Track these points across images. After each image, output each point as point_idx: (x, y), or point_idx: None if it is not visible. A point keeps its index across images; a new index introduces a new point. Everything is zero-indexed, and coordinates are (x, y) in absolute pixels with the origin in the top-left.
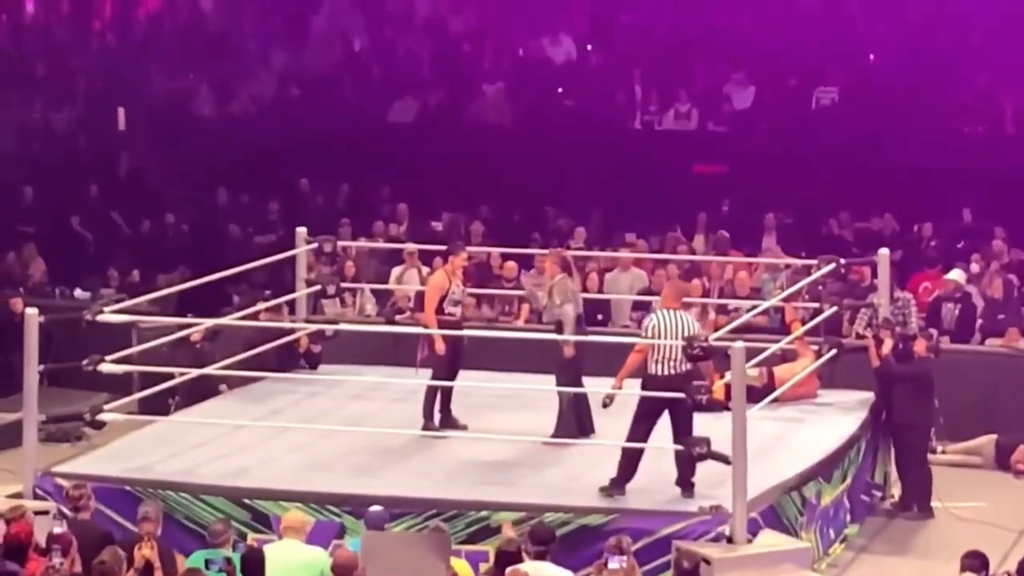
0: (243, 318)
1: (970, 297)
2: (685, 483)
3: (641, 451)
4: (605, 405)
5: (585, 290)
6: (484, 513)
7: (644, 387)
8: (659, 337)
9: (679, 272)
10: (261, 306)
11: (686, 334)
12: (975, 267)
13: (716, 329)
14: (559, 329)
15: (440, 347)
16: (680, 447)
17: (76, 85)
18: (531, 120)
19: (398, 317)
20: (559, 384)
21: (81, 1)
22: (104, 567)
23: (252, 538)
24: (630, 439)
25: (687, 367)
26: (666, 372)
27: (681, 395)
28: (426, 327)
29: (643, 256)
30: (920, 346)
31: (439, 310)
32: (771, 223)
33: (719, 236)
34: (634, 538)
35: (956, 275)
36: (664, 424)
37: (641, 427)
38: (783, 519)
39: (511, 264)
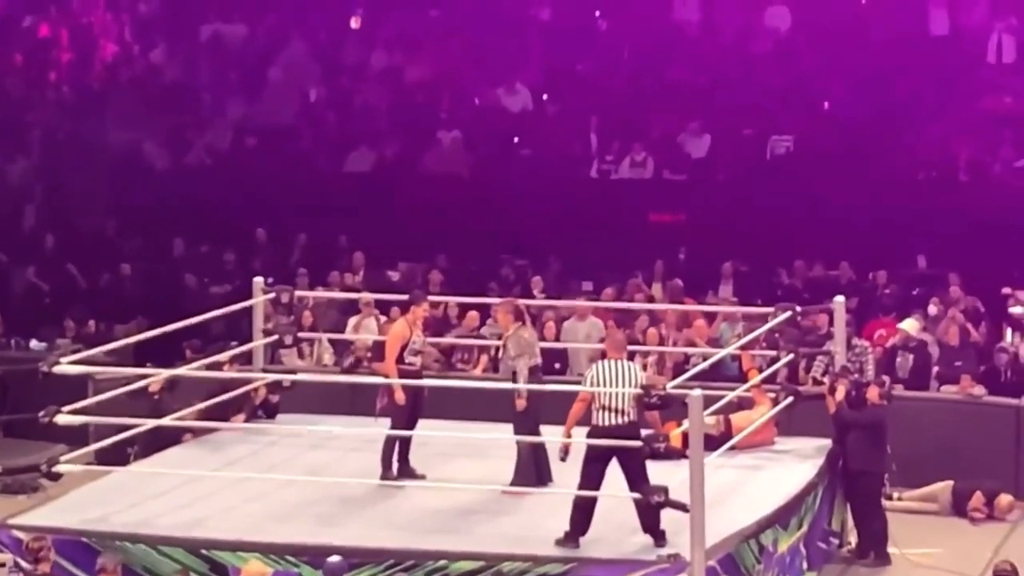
0: (204, 368)
1: (925, 346)
2: (654, 531)
3: (593, 502)
4: (562, 459)
5: (542, 338)
6: (443, 563)
7: (590, 436)
8: (601, 387)
9: (639, 320)
10: (225, 355)
11: (631, 384)
12: (933, 310)
13: (673, 378)
14: (514, 379)
15: (400, 397)
16: (637, 496)
17: (31, 136)
18: (488, 169)
19: (352, 365)
20: (517, 433)
21: (36, 52)
22: None
23: None
24: (580, 490)
25: (632, 416)
26: (611, 422)
27: (629, 444)
28: (386, 376)
29: (600, 304)
30: (873, 393)
31: (399, 359)
32: (727, 271)
33: (674, 284)
34: None
35: (908, 324)
36: (620, 473)
37: (590, 478)
38: (741, 567)
39: (473, 314)
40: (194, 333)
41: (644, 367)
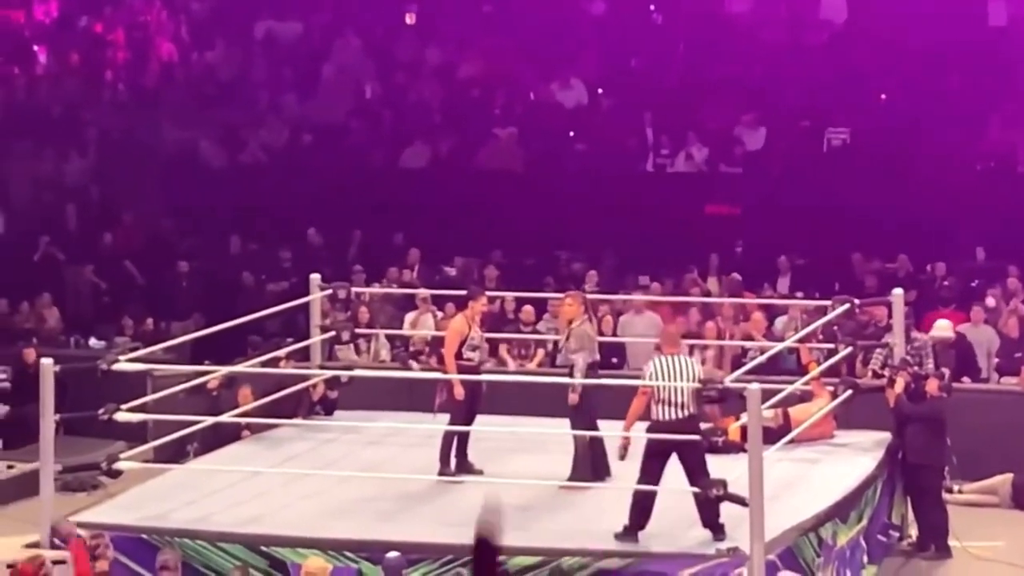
0: (261, 365)
1: (964, 338)
2: (713, 525)
3: (652, 496)
4: (621, 457)
5: (600, 333)
6: (501, 558)
7: (649, 432)
8: (660, 382)
9: (698, 315)
10: (281, 352)
11: (689, 378)
12: (992, 302)
13: (732, 371)
14: (571, 373)
15: (459, 392)
16: (696, 490)
17: (87, 135)
18: (543, 164)
19: (414, 363)
20: (574, 428)
21: (93, 52)
22: None
23: None
24: (640, 485)
25: (691, 411)
26: (670, 416)
27: (688, 438)
28: (445, 372)
29: (657, 299)
30: (932, 386)
31: (458, 355)
32: (784, 265)
33: (731, 278)
34: None
35: (941, 327)
36: (679, 467)
37: (649, 472)
38: (800, 560)
39: (528, 308)
40: (251, 330)
41: (703, 361)
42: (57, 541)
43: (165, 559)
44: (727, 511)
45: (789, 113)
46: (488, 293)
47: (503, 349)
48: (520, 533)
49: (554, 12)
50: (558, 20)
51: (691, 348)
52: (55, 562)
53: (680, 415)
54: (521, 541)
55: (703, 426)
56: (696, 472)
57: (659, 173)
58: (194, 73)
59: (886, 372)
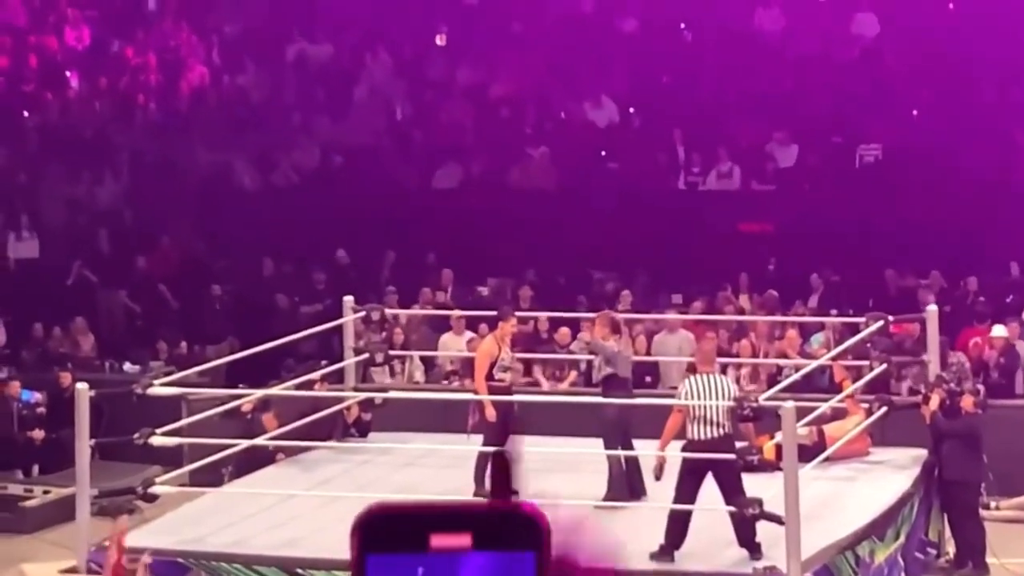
0: (296, 388)
1: (1014, 348)
2: (749, 544)
3: (688, 516)
4: (657, 478)
5: (634, 352)
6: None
7: (685, 451)
8: (695, 401)
9: (728, 333)
10: (315, 375)
11: (724, 397)
12: None
13: (766, 389)
14: (605, 391)
15: (491, 413)
16: (732, 509)
17: (120, 159)
18: (575, 183)
19: (446, 383)
20: (607, 447)
21: (124, 76)
22: None
23: None
24: (676, 504)
25: (727, 429)
26: (707, 436)
27: (725, 456)
28: (476, 393)
29: (690, 317)
30: (967, 402)
31: (489, 376)
32: (817, 282)
33: (767, 296)
34: None
35: (1002, 331)
36: (715, 486)
37: (685, 491)
38: None
39: (564, 330)
40: (285, 353)
41: (737, 380)
42: (94, 566)
43: None
44: (763, 530)
45: (821, 129)
46: (520, 313)
47: (536, 370)
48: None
49: (584, 31)
50: (588, 38)
51: (725, 366)
52: None
53: (716, 434)
54: None
55: (738, 445)
56: (732, 491)
57: (691, 191)
58: (226, 96)
59: (921, 389)
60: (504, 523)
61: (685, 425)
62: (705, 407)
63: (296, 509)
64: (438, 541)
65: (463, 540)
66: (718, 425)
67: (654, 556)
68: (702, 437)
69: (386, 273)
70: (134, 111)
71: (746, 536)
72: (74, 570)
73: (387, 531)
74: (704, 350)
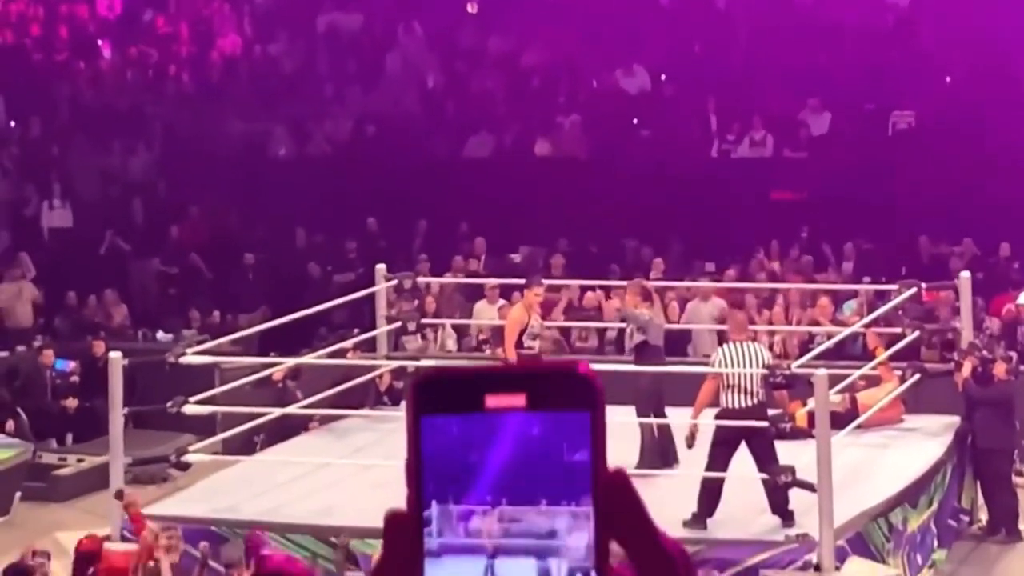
0: (328, 356)
1: None
2: (782, 511)
3: (721, 484)
4: (689, 446)
5: (667, 320)
6: None
7: (719, 419)
8: (729, 369)
9: (758, 300)
10: (348, 343)
11: (757, 365)
12: None
13: (799, 356)
14: (637, 359)
15: None
16: (765, 476)
17: (152, 129)
18: (607, 152)
19: (478, 351)
20: (639, 415)
21: (157, 45)
22: None
23: None
24: (709, 470)
25: (760, 398)
26: (740, 404)
27: (758, 424)
28: (506, 362)
29: (722, 285)
30: (1000, 369)
31: (519, 344)
32: (850, 250)
33: (802, 262)
34: (721, 568)
35: None
36: (747, 454)
37: (718, 460)
38: (870, 546)
39: (590, 295)
40: (318, 321)
41: (771, 346)
42: (127, 534)
43: (230, 557)
44: (796, 497)
45: (853, 97)
46: (553, 282)
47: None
48: None
49: None
50: (620, 7)
51: (757, 334)
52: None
53: (749, 402)
54: None
55: (771, 412)
56: (765, 459)
57: (723, 159)
58: (258, 66)
59: (955, 356)
60: (558, 384)
61: (718, 393)
62: (738, 375)
63: (329, 477)
64: (493, 401)
65: (518, 400)
66: (751, 393)
67: (687, 523)
68: (736, 405)
69: (418, 242)
70: (166, 81)
71: (779, 503)
72: (108, 538)
73: (442, 393)
74: (737, 318)
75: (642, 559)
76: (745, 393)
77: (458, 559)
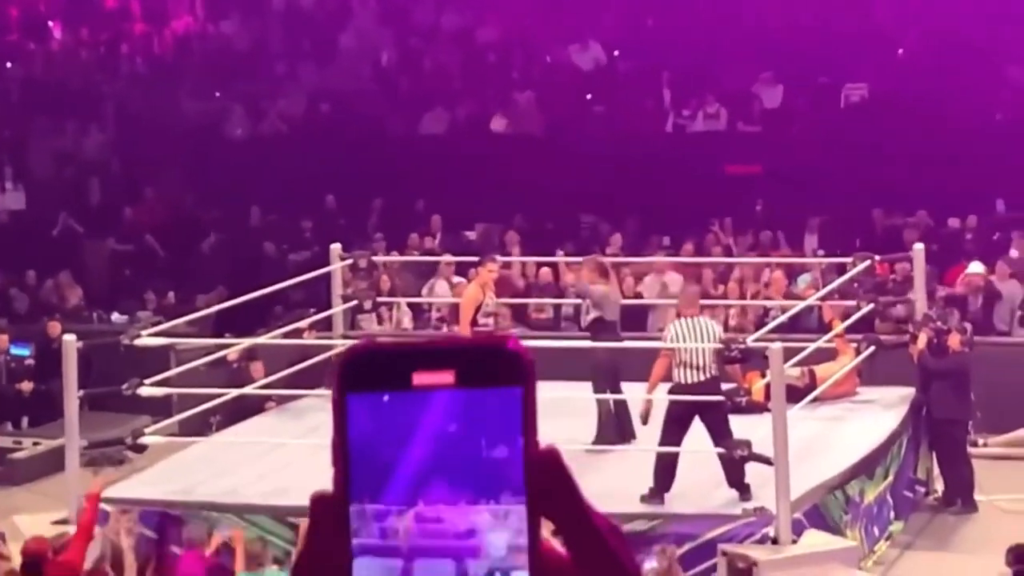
0: (284, 336)
1: (992, 284)
2: (739, 485)
3: (675, 459)
4: (644, 422)
5: (622, 295)
6: None
7: (671, 394)
8: (681, 344)
9: (715, 274)
10: (303, 323)
11: (709, 340)
12: (1015, 253)
13: (756, 329)
14: (593, 335)
15: None
16: (722, 451)
17: (105, 110)
18: (562, 128)
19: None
20: (596, 390)
21: (108, 26)
22: None
23: None
24: (663, 446)
25: (713, 372)
26: (693, 379)
27: (712, 399)
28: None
29: (677, 260)
30: (954, 340)
31: (474, 322)
32: (813, 224)
33: (759, 237)
34: (679, 542)
35: (978, 267)
36: (703, 428)
37: (671, 435)
38: (828, 518)
39: (545, 271)
40: (274, 301)
41: (726, 320)
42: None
43: (191, 536)
44: (752, 471)
45: (806, 70)
46: (507, 259)
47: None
48: None
49: None
50: None
51: (713, 308)
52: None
53: (702, 377)
54: None
55: (726, 387)
56: (720, 433)
57: (678, 133)
58: (211, 45)
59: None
60: (488, 360)
61: (671, 369)
62: (691, 351)
63: (286, 457)
64: (420, 379)
65: (446, 377)
66: (704, 368)
67: (644, 499)
68: (688, 381)
69: (374, 220)
70: (119, 61)
71: (736, 477)
72: (65, 521)
73: (369, 370)
74: (687, 293)
75: (574, 538)
76: (697, 368)
77: (374, 561)
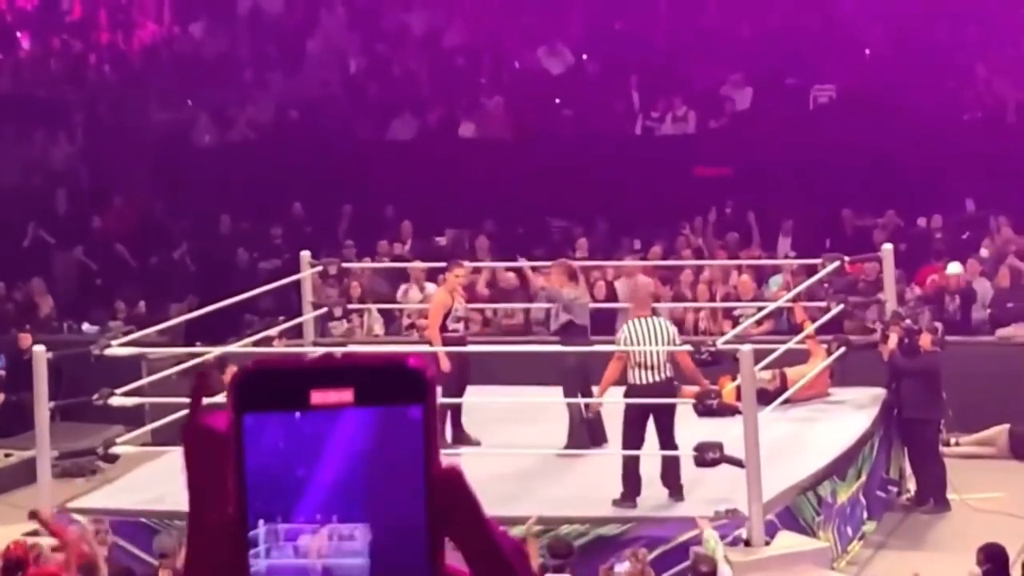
0: (255, 345)
1: (970, 285)
2: (673, 486)
3: (637, 461)
4: (587, 417)
5: (593, 299)
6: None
7: (627, 396)
8: (635, 346)
9: (693, 277)
10: (273, 331)
11: (663, 340)
12: (985, 253)
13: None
14: (563, 339)
15: (445, 365)
16: (673, 452)
17: (74, 119)
18: (531, 132)
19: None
20: (566, 395)
21: (76, 34)
22: None
23: None
24: (625, 449)
25: (667, 373)
26: (647, 380)
27: (665, 401)
28: (431, 345)
29: (647, 263)
30: (925, 340)
31: (443, 327)
32: (787, 227)
33: (729, 238)
34: (651, 546)
35: (957, 268)
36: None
37: (631, 437)
38: (800, 520)
39: (510, 276)
40: (245, 309)
41: (696, 323)
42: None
43: (163, 546)
44: (725, 473)
45: (775, 72)
46: (477, 264)
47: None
48: (519, 502)
49: None
50: None
51: (684, 310)
52: (54, 550)
53: (656, 378)
54: (520, 511)
55: (689, 388)
56: (667, 434)
57: (647, 136)
58: (179, 53)
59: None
60: (387, 377)
61: (626, 371)
62: (644, 352)
63: None
64: (319, 398)
65: (345, 395)
66: (658, 369)
67: (616, 503)
68: (643, 382)
69: (344, 226)
70: (87, 70)
71: (673, 477)
72: (36, 533)
73: (265, 389)
74: (639, 295)
75: (474, 557)
76: (651, 369)
77: None
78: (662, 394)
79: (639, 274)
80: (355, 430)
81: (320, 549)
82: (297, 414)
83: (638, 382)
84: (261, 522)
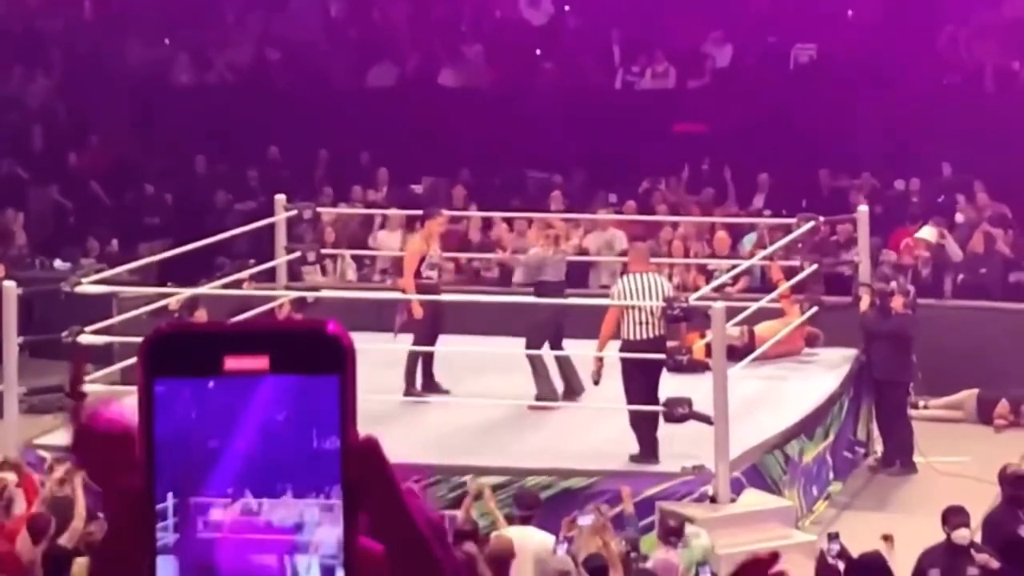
0: (226, 287)
1: (943, 250)
2: (645, 443)
3: (650, 417)
4: (596, 382)
5: (569, 253)
6: (467, 477)
7: (622, 351)
8: (630, 301)
9: (673, 233)
10: (244, 274)
11: (658, 296)
12: (961, 218)
13: (696, 290)
14: (537, 293)
15: (418, 312)
16: (653, 409)
17: (52, 55)
18: (510, 83)
19: (377, 280)
20: (529, 347)
21: None
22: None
23: None
24: (635, 405)
25: (660, 330)
26: (640, 336)
27: (657, 357)
28: (405, 292)
29: (621, 217)
30: (897, 302)
31: (417, 274)
32: (760, 181)
33: (704, 195)
34: (616, 500)
35: (928, 232)
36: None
37: (635, 392)
38: (766, 478)
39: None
40: (219, 251)
41: (670, 278)
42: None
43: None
44: (693, 429)
45: (756, 30)
46: (454, 213)
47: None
48: (486, 453)
49: None
50: None
51: (658, 266)
52: (18, 485)
53: (650, 334)
54: (487, 461)
55: (670, 344)
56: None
57: (627, 91)
58: None
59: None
60: (304, 344)
61: (619, 325)
62: (639, 307)
63: None
64: (233, 363)
65: (260, 362)
66: (652, 325)
67: (635, 458)
68: (636, 337)
69: (320, 172)
70: (65, 5)
71: (645, 437)
72: (2, 467)
73: (177, 353)
74: (638, 250)
75: (388, 530)
76: (645, 324)
77: (194, 554)
78: (653, 350)
79: (612, 228)
80: (270, 400)
81: (232, 524)
82: (211, 382)
83: (631, 337)
84: (170, 495)
